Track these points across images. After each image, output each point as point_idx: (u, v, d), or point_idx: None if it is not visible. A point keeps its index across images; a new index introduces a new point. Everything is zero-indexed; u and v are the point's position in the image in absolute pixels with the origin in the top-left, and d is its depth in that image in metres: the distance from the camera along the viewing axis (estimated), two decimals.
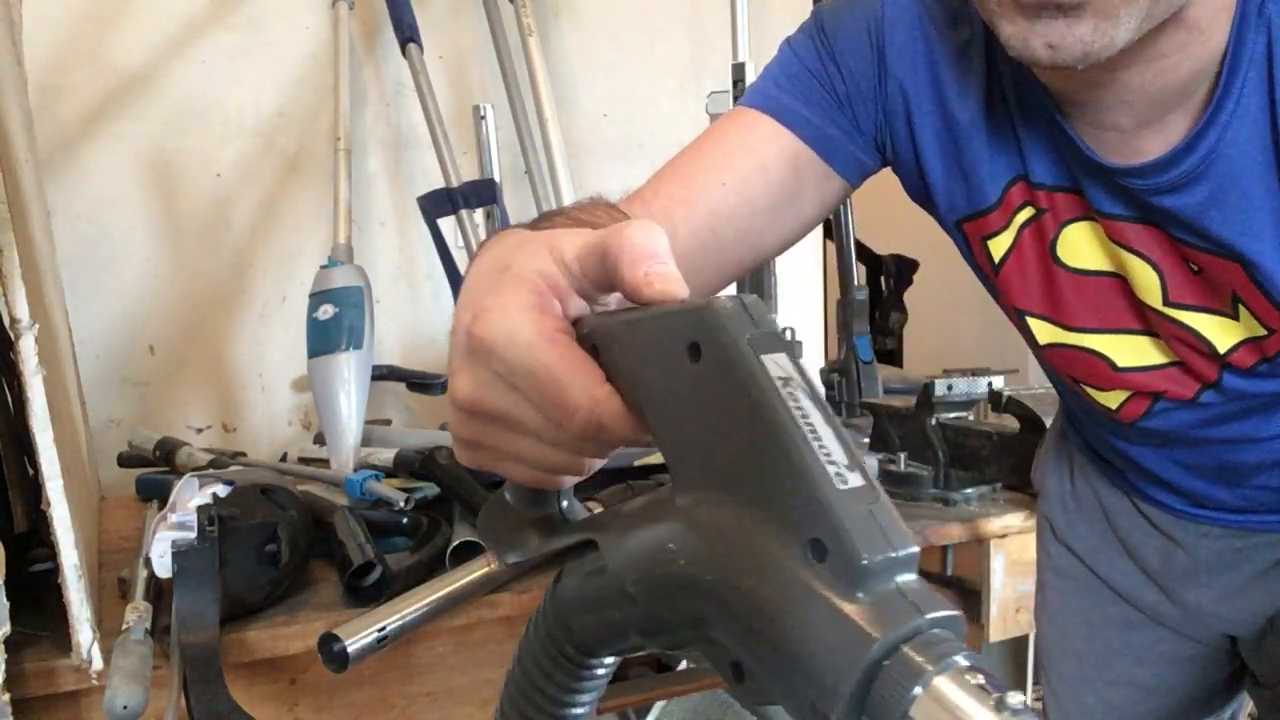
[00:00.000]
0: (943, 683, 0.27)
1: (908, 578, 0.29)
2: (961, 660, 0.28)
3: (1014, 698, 0.27)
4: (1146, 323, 0.77)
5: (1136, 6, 0.59)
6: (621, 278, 0.38)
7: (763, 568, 0.31)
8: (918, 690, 0.27)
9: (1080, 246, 0.76)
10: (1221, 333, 0.72)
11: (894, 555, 0.29)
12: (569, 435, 0.39)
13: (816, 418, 0.31)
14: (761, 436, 0.31)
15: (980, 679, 0.27)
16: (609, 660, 0.42)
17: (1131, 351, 0.79)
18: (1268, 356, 0.72)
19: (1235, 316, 0.71)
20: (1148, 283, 0.74)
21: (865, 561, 0.28)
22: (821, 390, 0.30)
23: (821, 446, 0.31)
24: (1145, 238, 0.72)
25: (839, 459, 0.30)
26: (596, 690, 0.43)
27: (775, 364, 0.33)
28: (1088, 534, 1.00)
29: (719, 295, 0.35)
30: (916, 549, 0.29)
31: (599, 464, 0.42)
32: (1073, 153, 0.73)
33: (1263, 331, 0.70)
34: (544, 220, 0.63)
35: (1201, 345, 0.74)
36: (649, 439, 0.38)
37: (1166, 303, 0.74)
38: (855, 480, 0.30)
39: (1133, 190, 0.70)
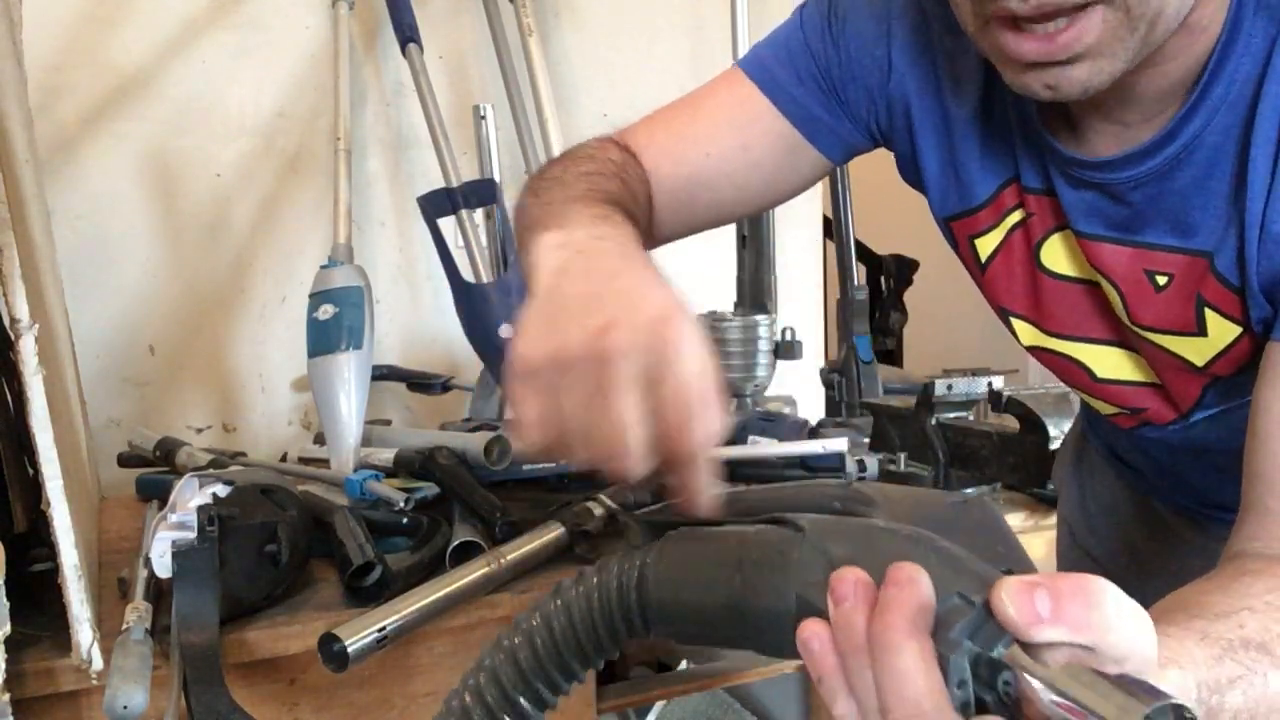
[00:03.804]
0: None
1: None
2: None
3: None
4: (1121, 336, 0.77)
5: (1132, 40, 0.60)
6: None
7: None
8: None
9: (1061, 253, 0.77)
10: (1195, 350, 0.72)
11: None
12: None
13: None
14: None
15: None
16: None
17: (1109, 364, 0.79)
18: (1244, 364, 0.71)
19: (1204, 333, 0.71)
20: (1115, 301, 0.74)
21: None
22: None
23: None
24: (1113, 258, 0.73)
25: None
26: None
27: None
28: (1106, 537, 1.00)
29: None
30: None
31: None
32: (1055, 160, 0.73)
33: (1237, 331, 0.69)
34: (561, 182, 0.71)
35: (1180, 362, 0.74)
36: None
37: (1132, 323, 0.74)
38: None
39: (1117, 188, 0.70)
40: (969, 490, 1.32)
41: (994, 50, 0.63)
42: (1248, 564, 0.59)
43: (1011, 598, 0.35)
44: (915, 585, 0.37)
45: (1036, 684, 0.34)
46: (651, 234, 0.81)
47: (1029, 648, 0.35)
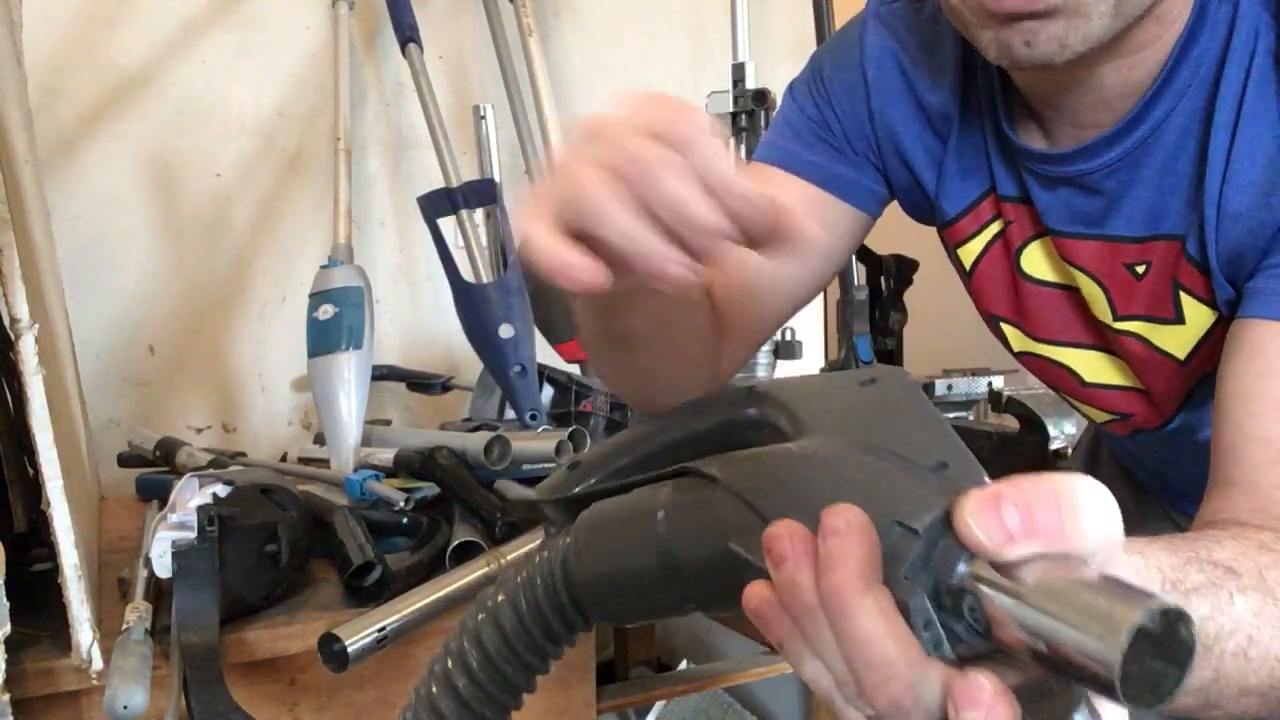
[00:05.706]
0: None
1: None
2: None
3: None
4: (1103, 339, 0.78)
5: (1107, 3, 0.60)
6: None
7: None
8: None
9: (1041, 259, 0.78)
10: (1176, 341, 0.73)
11: None
12: None
13: None
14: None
15: None
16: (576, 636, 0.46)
17: (1095, 368, 0.80)
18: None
19: (1182, 320, 0.71)
20: (1096, 299, 0.75)
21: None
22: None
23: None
24: (1091, 254, 0.73)
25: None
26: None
27: None
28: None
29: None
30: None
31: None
32: (1027, 162, 0.74)
33: (1212, 316, 0.70)
34: None
35: (1163, 358, 0.74)
36: None
37: (1117, 317, 0.75)
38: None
39: (1089, 179, 0.71)
40: None
41: (975, 8, 0.64)
42: (1212, 527, 0.58)
43: (976, 517, 0.30)
44: (857, 532, 0.32)
45: (1007, 604, 0.30)
46: (726, 333, 0.78)
47: (996, 565, 0.31)
